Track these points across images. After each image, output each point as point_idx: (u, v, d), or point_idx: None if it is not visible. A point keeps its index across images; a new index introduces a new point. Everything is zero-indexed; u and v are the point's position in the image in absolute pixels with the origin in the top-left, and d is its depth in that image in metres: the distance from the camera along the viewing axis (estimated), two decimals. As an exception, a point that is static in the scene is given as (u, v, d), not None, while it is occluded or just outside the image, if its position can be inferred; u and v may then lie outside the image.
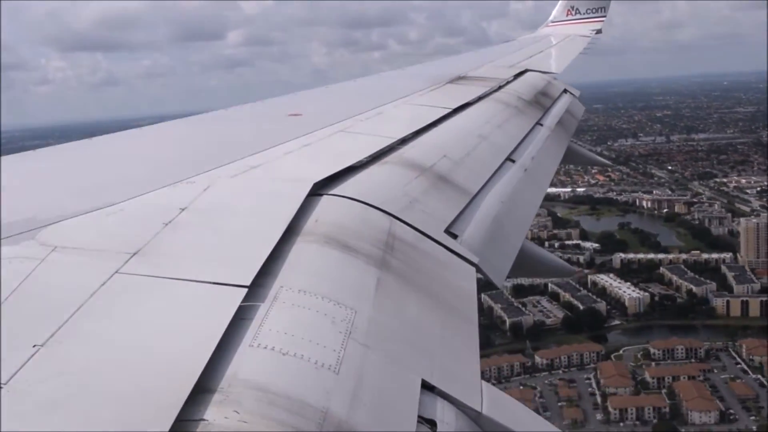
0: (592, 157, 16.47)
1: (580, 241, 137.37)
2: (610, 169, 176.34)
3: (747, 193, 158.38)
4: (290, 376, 2.68)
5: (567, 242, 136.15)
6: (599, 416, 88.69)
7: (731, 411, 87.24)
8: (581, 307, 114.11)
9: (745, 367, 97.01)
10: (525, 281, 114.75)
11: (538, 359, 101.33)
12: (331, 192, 4.69)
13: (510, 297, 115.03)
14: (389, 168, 5.57)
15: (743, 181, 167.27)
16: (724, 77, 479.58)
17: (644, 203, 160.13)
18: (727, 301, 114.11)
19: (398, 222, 4.58)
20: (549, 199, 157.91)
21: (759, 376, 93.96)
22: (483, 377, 3.40)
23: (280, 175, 4.95)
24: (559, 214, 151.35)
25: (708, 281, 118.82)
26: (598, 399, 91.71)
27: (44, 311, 2.80)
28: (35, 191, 4.66)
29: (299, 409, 2.50)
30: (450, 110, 8.10)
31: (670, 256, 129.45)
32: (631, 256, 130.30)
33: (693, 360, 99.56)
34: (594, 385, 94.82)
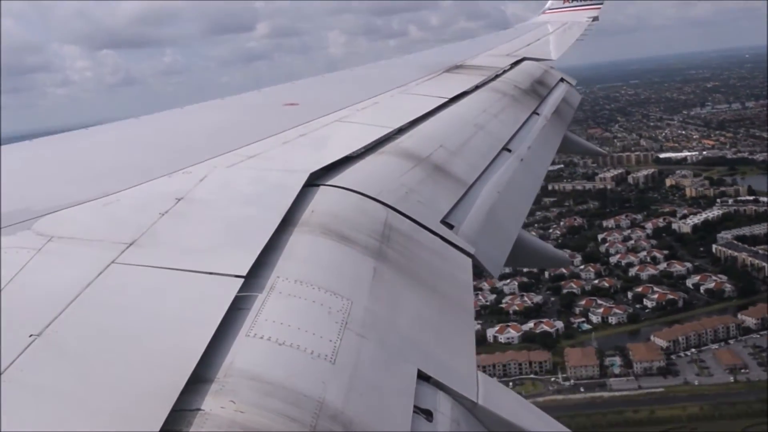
0: (588, 146, 16.47)
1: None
2: (713, 134, 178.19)
3: None
4: (286, 366, 2.69)
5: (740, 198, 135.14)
6: None
7: None
8: None
9: None
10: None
11: None
12: (328, 182, 4.69)
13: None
14: (385, 158, 5.57)
15: None
16: (740, 50, 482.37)
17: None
18: None
19: (394, 212, 4.58)
20: (676, 162, 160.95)
21: None
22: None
23: (276, 165, 4.95)
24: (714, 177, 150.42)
25: None
26: None
27: (41, 301, 2.81)
28: (32, 181, 4.66)
29: (295, 398, 2.51)
30: (446, 100, 8.09)
31: None
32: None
33: None
34: None
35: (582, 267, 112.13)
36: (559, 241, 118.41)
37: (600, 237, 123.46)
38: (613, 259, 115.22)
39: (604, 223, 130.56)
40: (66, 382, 2.35)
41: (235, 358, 2.64)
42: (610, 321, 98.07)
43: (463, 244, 4.69)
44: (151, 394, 2.31)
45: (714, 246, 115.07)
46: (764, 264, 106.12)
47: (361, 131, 6.15)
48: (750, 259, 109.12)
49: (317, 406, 2.51)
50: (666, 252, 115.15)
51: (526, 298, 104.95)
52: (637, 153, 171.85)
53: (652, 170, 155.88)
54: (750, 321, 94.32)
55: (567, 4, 22.33)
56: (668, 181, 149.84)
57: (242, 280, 3.10)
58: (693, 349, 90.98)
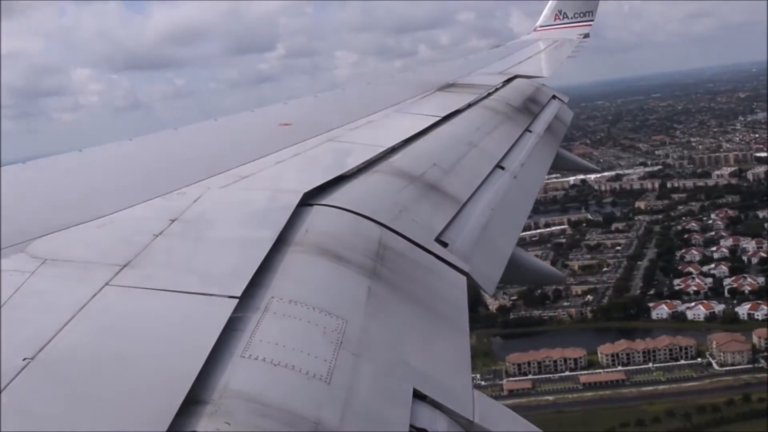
0: (581, 163, 16.52)
1: None
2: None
3: None
4: (282, 386, 2.69)
5: None
6: None
7: None
8: None
9: None
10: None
11: None
12: (322, 202, 4.69)
13: None
14: (379, 177, 5.58)
15: None
16: (743, 66, 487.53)
17: None
18: None
19: (389, 231, 4.59)
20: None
21: None
22: None
23: (270, 185, 4.96)
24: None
25: None
26: None
27: (34, 324, 2.80)
28: (25, 203, 4.65)
29: (291, 420, 2.51)
30: (439, 118, 8.12)
31: None
32: None
33: None
34: None
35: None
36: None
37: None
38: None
39: (760, 214, 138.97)
40: (60, 405, 2.34)
41: (230, 379, 2.64)
42: None
43: (457, 262, 4.69)
44: (145, 417, 2.31)
45: None
46: None
47: (355, 150, 6.17)
48: None
49: (313, 426, 2.51)
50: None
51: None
52: (735, 153, 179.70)
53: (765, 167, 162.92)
54: None
55: (558, 22, 22.49)
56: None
57: (237, 300, 3.10)
58: None
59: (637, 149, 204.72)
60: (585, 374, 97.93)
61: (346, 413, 2.67)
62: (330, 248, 4.03)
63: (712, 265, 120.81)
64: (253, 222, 4.23)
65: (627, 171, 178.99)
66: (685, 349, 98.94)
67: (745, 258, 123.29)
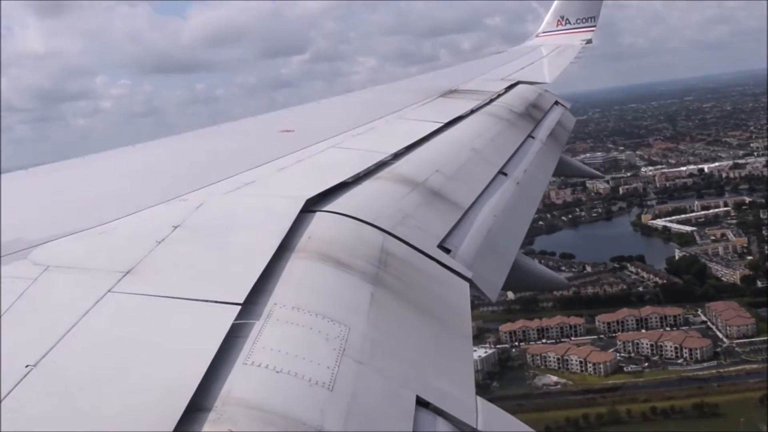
0: (585, 169, 16.52)
1: None
2: None
3: None
4: (284, 393, 2.68)
5: None
6: None
7: None
8: None
9: None
10: None
11: None
12: (324, 208, 4.69)
13: None
14: (382, 183, 5.58)
15: None
16: (747, 72, 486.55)
17: None
18: None
19: (391, 238, 4.59)
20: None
21: None
22: None
23: (272, 191, 4.96)
24: None
25: None
26: None
27: (37, 331, 2.80)
28: (28, 210, 4.66)
29: (294, 427, 2.50)
30: (442, 124, 8.13)
31: None
32: None
33: None
34: None
35: None
36: None
37: None
38: None
39: None
40: (62, 412, 2.34)
41: (233, 386, 2.63)
42: None
43: (460, 268, 4.69)
44: (148, 424, 2.30)
45: None
46: None
47: (357, 157, 6.18)
48: None
49: None
50: None
51: None
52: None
53: None
54: None
55: (560, 28, 22.51)
56: None
57: (239, 307, 3.10)
58: None
59: (725, 143, 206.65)
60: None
61: (349, 420, 2.66)
62: (333, 254, 4.02)
63: None
64: (255, 228, 4.23)
65: (741, 161, 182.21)
66: None
67: None
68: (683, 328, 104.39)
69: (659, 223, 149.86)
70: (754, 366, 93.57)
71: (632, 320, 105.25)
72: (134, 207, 4.34)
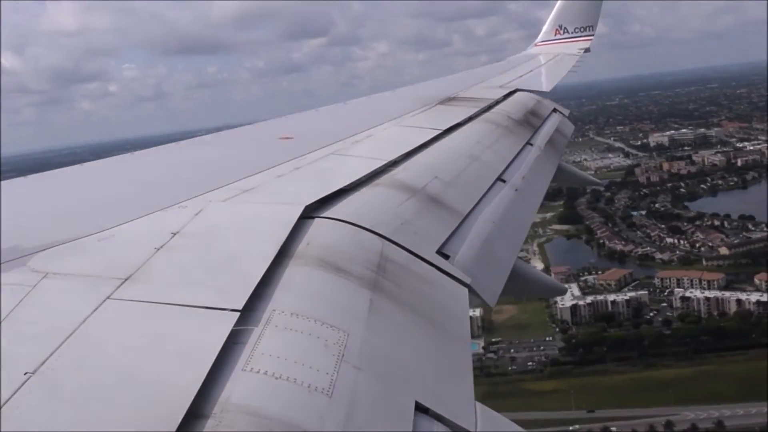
0: (583, 176, 16.53)
1: None
2: None
3: None
4: (283, 400, 2.68)
5: None
6: None
7: None
8: None
9: None
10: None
11: None
12: (323, 215, 4.70)
13: None
14: (380, 190, 5.59)
15: None
16: (753, 64, 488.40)
17: None
18: None
19: (390, 244, 4.59)
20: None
21: None
22: None
23: (271, 198, 4.97)
24: None
25: None
26: None
27: (36, 338, 2.79)
28: (26, 217, 4.65)
29: (293, 433, 2.50)
30: (440, 131, 8.14)
31: None
32: None
33: None
34: None
35: None
36: None
37: None
38: None
39: None
40: (61, 420, 2.33)
41: (232, 393, 2.63)
42: None
43: (459, 274, 4.69)
44: (147, 430, 2.30)
45: None
46: None
47: (356, 164, 6.19)
48: None
49: None
50: None
51: None
52: None
53: None
54: None
55: (558, 37, 22.57)
56: None
57: (238, 314, 3.10)
58: None
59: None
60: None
61: (349, 426, 2.66)
62: (331, 261, 4.03)
63: None
64: (254, 235, 4.23)
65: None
66: None
67: None
68: None
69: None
70: None
71: None
72: (133, 214, 4.34)
